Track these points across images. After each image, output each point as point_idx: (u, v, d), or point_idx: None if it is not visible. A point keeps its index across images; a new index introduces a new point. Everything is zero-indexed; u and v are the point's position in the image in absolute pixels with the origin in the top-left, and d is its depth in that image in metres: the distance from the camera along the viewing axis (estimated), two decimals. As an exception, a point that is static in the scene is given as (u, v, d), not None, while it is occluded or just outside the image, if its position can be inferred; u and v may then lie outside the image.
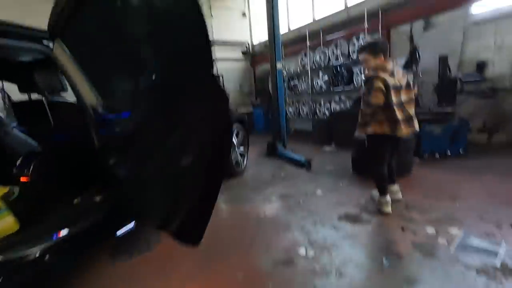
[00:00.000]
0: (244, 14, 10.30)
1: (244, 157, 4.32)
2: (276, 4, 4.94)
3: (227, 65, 10.06)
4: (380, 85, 2.30)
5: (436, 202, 2.68)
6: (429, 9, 5.24)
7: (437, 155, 4.21)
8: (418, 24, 5.45)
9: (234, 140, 4.00)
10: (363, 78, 2.70)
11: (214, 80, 1.08)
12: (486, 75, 4.65)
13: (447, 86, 4.60)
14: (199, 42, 0.95)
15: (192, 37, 0.95)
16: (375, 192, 2.85)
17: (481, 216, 2.33)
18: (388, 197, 2.58)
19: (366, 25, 5.99)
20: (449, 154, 4.22)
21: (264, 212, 2.83)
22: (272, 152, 5.24)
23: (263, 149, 5.48)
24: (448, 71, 4.66)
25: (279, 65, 5.17)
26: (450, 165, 3.84)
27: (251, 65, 10.65)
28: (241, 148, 4.25)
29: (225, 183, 3.81)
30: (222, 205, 3.17)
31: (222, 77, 9.61)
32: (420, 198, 2.82)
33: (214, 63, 1.00)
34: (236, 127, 4.02)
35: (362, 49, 2.54)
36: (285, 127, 5.32)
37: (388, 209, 2.55)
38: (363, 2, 6.48)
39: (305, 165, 4.23)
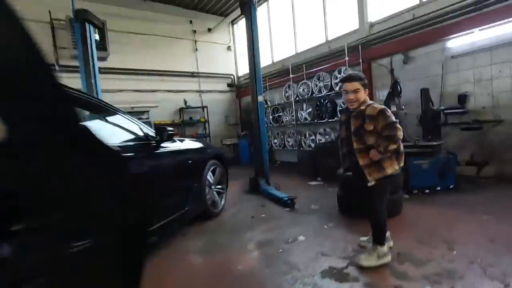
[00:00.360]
0: (229, 48, 10.47)
1: (222, 196, 3.97)
2: (256, 40, 4.91)
3: (213, 97, 10.01)
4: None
5: (432, 250, 2.38)
6: (407, 44, 5.34)
7: (426, 191, 3.98)
8: (398, 58, 5.52)
9: (210, 178, 3.67)
10: (355, 110, 2.29)
11: (86, 135, 0.81)
12: (468, 107, 4.61)
13: (431, 118, 4.52)
14: (54, 99, 0.71)
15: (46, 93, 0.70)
16: (365, 239, 2.54)
17: (484, 270, 2.02)
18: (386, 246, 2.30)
19: (347, 58, 6.05)
20: (439, 189, 4.00)
21: (239, 267, 2.44)
22: (254, 188, 4.91)
23: (247, 183, 5.15)
24: (430, 104, 4.60)
25: (260, 98, 5.03)
26: (442, 202, 3.59)
27: (237, 97, 10.63)
28: (219, 186, 3.92)
29: (199, 227, 3.42)
30: (192, 256, 2.76)
31: (207, 109, 9.49)
32: (413, 245, 2.51)
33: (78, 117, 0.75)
34: (212, 163, 3.72)
35: (354, 78, 2.23)
36: (267, 162, 5.05)
37: (389, 257, 2.25)
38: (343, 36, 6.63)
39: (289, 204, 3.90)
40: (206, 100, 9.75)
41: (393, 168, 2.18)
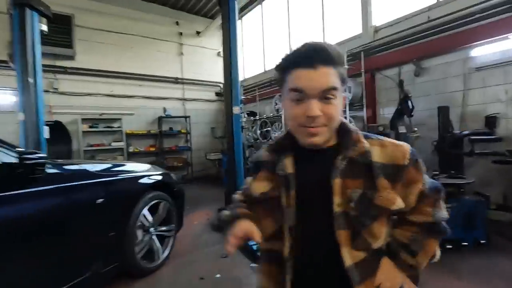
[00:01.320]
0: (219, 54, 9.56)
1: (167, 241, 2.89)
2: (233, 35, 3.94)
3: (198, 106, 9.05)
4: None
5: None
6: (419, 52, 4.37)
7: (448, 246, 2.91)
8: (408, 68, 4.55)
9: (147, 218, 2.61)
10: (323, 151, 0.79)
11: None
12: (499, 132, 3.59)
13: (451, 145, 3.49)
14: None
15: None
16: None
17: None
18: None
19: (346, 67, 5.07)
20: (466, 244, 2.93)
21: None
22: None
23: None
24: (450, 126, 3.59)
25: (236, 110, 4.01)
26: (471, 268, 2.51)
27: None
28: (163, 228, 2.85)
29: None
30: None
31: (189, 119, 8.50)
32: None
33: None
34: (153, 196, 2.67)
35: (325, 55, 0.70)
36: (241, 190, 3.97)
37: None
38: (343, 42, 5.70)
39: (258, 257, 2.82)
40: (190, 109, 8.78)
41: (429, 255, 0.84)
